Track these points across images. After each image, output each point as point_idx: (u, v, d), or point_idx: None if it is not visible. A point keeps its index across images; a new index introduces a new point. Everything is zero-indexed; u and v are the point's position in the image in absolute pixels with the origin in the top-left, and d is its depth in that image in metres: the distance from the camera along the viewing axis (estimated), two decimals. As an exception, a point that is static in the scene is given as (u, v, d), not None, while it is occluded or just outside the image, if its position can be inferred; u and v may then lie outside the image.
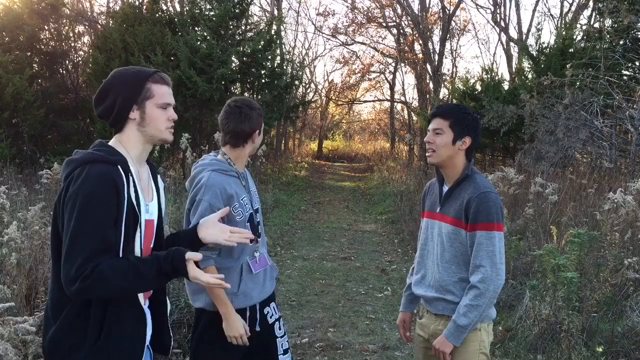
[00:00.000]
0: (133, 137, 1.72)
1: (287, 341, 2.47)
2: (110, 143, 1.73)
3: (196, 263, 1.66)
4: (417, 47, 21.23)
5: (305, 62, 24.02)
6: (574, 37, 11.73)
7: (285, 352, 2.43)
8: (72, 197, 1.56)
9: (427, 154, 2.25)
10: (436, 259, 2.23)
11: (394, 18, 22.05)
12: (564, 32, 11.70)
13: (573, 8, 16.30)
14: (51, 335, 1.64)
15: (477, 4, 24.90)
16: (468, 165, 2.21)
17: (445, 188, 2.26)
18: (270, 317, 2.42)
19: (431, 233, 2.29)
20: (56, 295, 1.65)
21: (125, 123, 1.71)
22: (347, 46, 25.13)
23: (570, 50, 11.20)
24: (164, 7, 12.75)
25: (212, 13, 12.03)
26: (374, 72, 26.66)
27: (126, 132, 1.72)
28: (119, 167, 1.64)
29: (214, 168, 2.29)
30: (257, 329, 2.36)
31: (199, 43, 11.56)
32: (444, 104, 2.39)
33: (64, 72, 12.99)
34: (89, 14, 14.78)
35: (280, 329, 2.45)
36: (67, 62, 13.06)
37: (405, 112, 25.66)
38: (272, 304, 2.46)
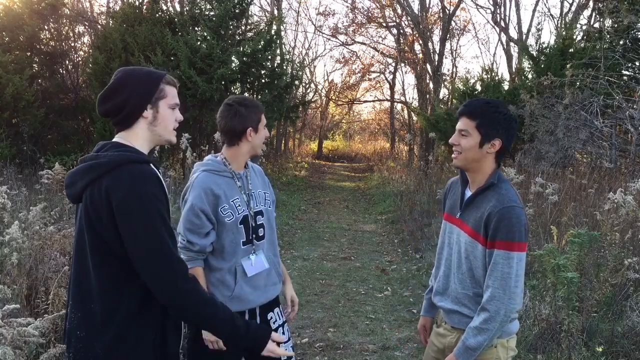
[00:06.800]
0: (142, 135, 1.74)
1: (291, 347, 2.44)
2: (118, 141, 1.72)
3: None
4: (417, 47, 21.21)
5: (305, 62, 23.98)
6: (574, 37, 11.72)
7: (288, 359, 2.40)
8: (128, 200, 1.55)
9: (452, 156, 2.06)
10: (453, 267, 2.09)
11: (394, 18, 22.05)
12: (564, 32, 11.69)
13: (573, 8, 16.27)
14: (109, 343, 1.61)
15: (477, 4, 24.90)
16: (496, 171, 2.00)
17: (468, 192, 2.07)
18: (274, 323, 2.40)
19: (449, 238, 2.14)
20: (109, 299, 1.61)
21: (136, 121, 1.72)
22: (347, 46, 25.17)
23: (570, 50, 11.19)
24: (164, 7, 12.73)
25: (212, 13, 12.02)
26: (374, 72, 26.68)
27: (135, 130, 1.73)
28: (152, 165, 1.68)
29: (205, 168, 2.29)
30: None
31: (199, 43, 11.55)
32: (474, 100, 2.05)
33: (64, 72, 12.96)
34: (89, 14, 14.73)
35: (283, 334, 2.42)
36: (67, 62, 13.03)
37: (405, 112, 25.66)
38: (276, 309, 2.43)
